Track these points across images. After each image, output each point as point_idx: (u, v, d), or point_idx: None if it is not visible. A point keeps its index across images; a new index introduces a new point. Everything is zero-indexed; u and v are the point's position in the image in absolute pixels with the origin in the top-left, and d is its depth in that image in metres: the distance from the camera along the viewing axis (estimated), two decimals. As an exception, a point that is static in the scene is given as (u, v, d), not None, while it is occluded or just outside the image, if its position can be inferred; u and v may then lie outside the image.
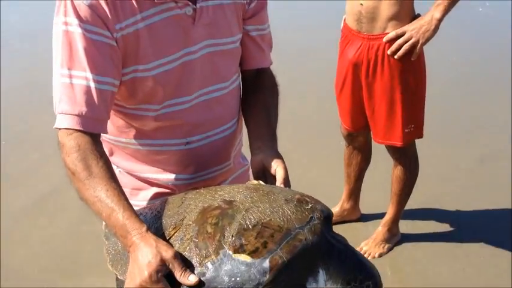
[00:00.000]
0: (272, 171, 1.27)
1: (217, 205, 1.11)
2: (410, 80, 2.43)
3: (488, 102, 4.33)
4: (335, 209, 2.87)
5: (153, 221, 1.17)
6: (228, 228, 1.05)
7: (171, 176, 1.39)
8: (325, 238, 1.08)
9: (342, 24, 2.59)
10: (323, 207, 1.12)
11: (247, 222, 1.05)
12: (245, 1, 1.36)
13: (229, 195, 1.13)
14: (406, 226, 2.87)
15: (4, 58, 5.32)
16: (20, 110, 4.60)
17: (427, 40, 2.35)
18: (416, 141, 2.62)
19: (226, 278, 1.01)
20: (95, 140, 1.20)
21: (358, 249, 2.27)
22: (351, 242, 1.17)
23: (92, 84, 1.18)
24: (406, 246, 2.79)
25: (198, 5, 1.26)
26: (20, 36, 5.85)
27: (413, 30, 2.35)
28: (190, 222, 1.10)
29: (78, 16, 1.16)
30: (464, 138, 3.84)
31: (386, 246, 2.75)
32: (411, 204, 2.81)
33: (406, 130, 2.51)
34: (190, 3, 1.25)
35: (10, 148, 4.00)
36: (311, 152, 3.65)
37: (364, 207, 3.03)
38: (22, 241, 3.00)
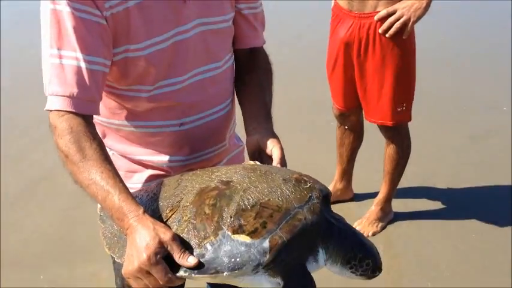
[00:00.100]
0: (268, 151, 1.25)
1: (214, 186, 1.09)
2: (402, 58, 2.43)
3: (479, 81, 4.35)
4: (328, 190, 2.87)
5: (150, 204, 1.15)
6: (226, 209, 1.04)
7: (166, 158, 1.37)
8: (324, 217, 1.07)
9: (333, 3, 2.57)
10: (321, 187, 1.11)
11: (246, 202, 1.04)
12: None
13: (226, 176, 1.11)
14: (398, 205, 2.89)
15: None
16: (8, 95, 4.55)
17: (419, 18, 2.34)
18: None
19: (225, 259, 1.00)
20: (88, 121, 1.17)
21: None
22: (344, 222, 1.16)
23: (83, 65, 1.15)
24: (399, 224, 2.81)
25: None
26: (8, 19, 5.75)
27: (404, 8, 2.33)
28: (188, 204, 1.09)
29: None
30: (455, 117, 3.86)
31: (380, 225, 2.77)
32: (403, 183, 2.83)
33: (398, 109, 2.51)
34: None
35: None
36: (303, 133, 3.65)
37: (357, 187, 3.04)
38: (13, 227, 2.98)
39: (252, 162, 1.22)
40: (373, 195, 2.90)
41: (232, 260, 1.00)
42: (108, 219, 1.20)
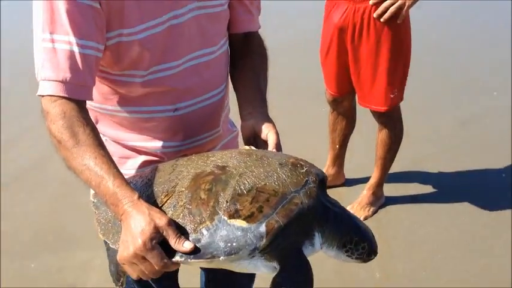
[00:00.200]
0: (263, 136, 1.25)
1: (210, 171, 1.08)
2: (396, 43, 2.42)
3: (470, 65, 4.36)
4: (320, 175, 2.88)
5: (144, 189, 1.14)
6: (222, 194, 1.03)
7: (160, 144, 1.36)
8: (320, 201, 1.07)
9: (327, -12, 2.55)
10: (318, 171, 1.11)
11: (242, 187, 1.03)
12: None
13: (221, 161, 1.11)
14: (390, 189, 2.90)
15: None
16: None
17: (414, 2, 2.33)
18: (400, 104, 2.63)
19: (222, 244, 1.00)
20: (81, 106, 1.16)
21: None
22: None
23: (76, 49, 1.13)
24: (391, 208, 2.83)
25: None
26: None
27: (400, -8, 2.32)
28: (183, 189, 1.08)
29: None
30: (446, 102, 3.87)
31: (371, 209, 2.78)
32: (394, 167, 2.84)
33: (391, 95, 2.51)
34: None
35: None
36: (295, 118, 3.65)
37: (348, 172, 3.05)
38: (3, 216, 2.96)
39: (247, 147, 1.22)
40: (364, 180, 2.91)
41: (229, 244, 0.99)
42: (102, 205, 1.19)
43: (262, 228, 0.99)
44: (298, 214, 1.02)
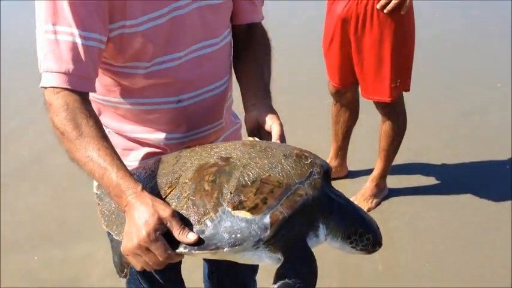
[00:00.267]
0: (267, 127, 1.24)
1: (213, 162, 1.08)
2: (400, 35, 2.41)
3: (473, 57, 4.34)
4: (323, 167, 2.87)
5: (148, 181, 1.14)
6: (226, 185, 1.03)
7: (163, 136, 1.35)
8: (325, 193, 1.06)
9: (331, -20, 2.54)
10: (322, 162, 1.10)
11: (246, 178, 1.03)
12: None
13: (225, 152, 1.10)
14: (393, 181, 2.90)
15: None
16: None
17: None
18: (403, 96, 2.62)
19: (226, 235, 1.00)
20: (84, 98, 1.15)
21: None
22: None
23: (78, 41, 1.13)
24: (394, 200, 2.83)
25: None
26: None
27: (403, -17, 2.31)
28: (187, 181, 1.07)
29: None
30: (449, 93, 3.86)
31: (374, 201, 2.78)
32: (398, 159, 2.84)
33: (393, 85, 2.50)
34: None
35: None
36: (297, 110, 3.64)
37: (351, 164, 3.04)
38: (6, 209, 2.96)
39: (251, 139, 1.21)
40: (367, 172, 2.91)
41: (233, 236, 0.99)
42: (105, 197, 1.19)
43: (267, 219, 0.99)
44: (302, 205, 1.02)
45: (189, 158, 1.13)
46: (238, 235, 0.99)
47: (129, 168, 1.13)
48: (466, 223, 2.65)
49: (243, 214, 1.00)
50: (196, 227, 1.02)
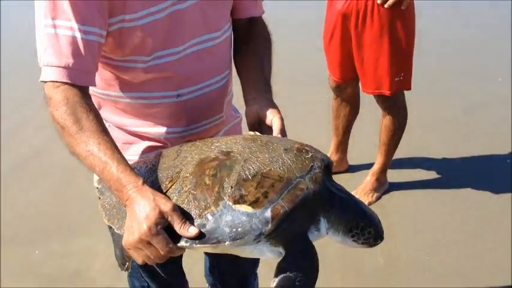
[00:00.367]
0: (268, 121, 1.24)
1: (214, 156, 1.08)
2: (400, 30, 2.40)
3: (474, 52, 4.33)
4: (323, 161, 2.87)
5: (149, 175, 1.14)
6: (226, 180, 1.03)
7: (163, 130, 1.35)
8: (326, 187, 1.06)
9: (331, -26, 2.53)
10: (323, 156, 1.10)
11: (247, 172, 1.03)
12: None
13: (226, 146, 1.10)
14: (393, 175, 2.90)
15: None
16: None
17: None
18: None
19: (227, 229, 1.00)
20: (84, 92, 1.15)
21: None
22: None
23: (78, 35, 1.13)
24: (394, 194, 2.83)
25: None
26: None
27: (404, -22, 2.30)
28: (188, 175, 1.07)
29: None
30: (450, 88, 3.85)
31: (375, 195, 2.78)
32: (398, 153, 2.84)
33: (396, 79, 2.49)
34: None
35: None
36: (298, 104, 3.64)
37: (352, 159, 3.04)
38: (7, 204, 2.97)
39: (252, 133, 1.21)
40: (368, 166, 2.91)
41: (234, 229, 0.99)
42: (106, 191, 1.19)
43: (268, 213, 0.99)
44: (303, 199, 1.01)
45: (190, 152, 1.13)
46: (240, 229, 0.99)
47: (129, 162, 1.12)
48: (467, 217, 2.66)
49: (244, 208, 1.00)
50: (197, 221, 1.02)
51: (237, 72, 1.41)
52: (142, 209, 1.02)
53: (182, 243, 1.02)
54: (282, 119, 1.23)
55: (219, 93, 1.38)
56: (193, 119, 1.36)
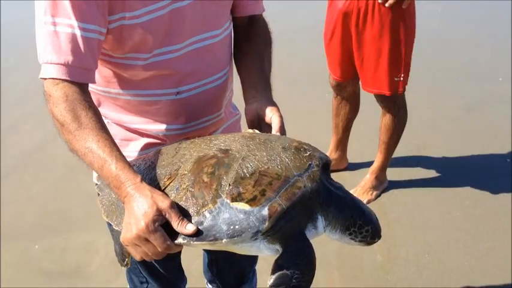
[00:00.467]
0: (267, 119, 1.24)
1: (212, 154, 1.08)
2: (401, 29, 2.40)
3: (475, 51, 4.33)
4: (323, 159, 2.88)
5: (147, 172, 1.14)
6: (224, 177, 1.03)
7: (162, 127, 1.36)
8: (324, 185, 1.07)
9: (332, -27, 2.53)
10: (321, 155, 1.10)
11: (244, 170, 1.03)
12: None
13: (224, 144, 1.11)
14: (393, 173, 2.91)
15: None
16: (0, 67, 4.49)
17: None
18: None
19: (224, 227, 1.00)
20: (83, 89, 1.16)
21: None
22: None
23: (78, 32, 1.13)
24: (394, 192, 2.83)
25: None
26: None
27: (405, -23, 2.30)
28: (186, 172, 1.08)
29: None
30: (451, 87, 3.85)
31: (374, 193, 2.78)
32: (398, 152, 2.84)
33: (396, 79, 2.49)
34: None
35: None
36: (299, 103, 3.64)
37: (352, 157, 3.05)
38: (8, 199, 2.98)
39: (251, 131, 1.21)
40: (367, 164, 2.91)
41: (231, 227, 1.00)
42: (105, 188, 1.19)
43: (265, 211, 1.00)
44: (301, 197, 1.02)
45: (189, 150, 1.13)
46: (237, 226, 1.00)
47: (128, 159, 1.13)
48: (467, 215, 2.66)
49: (242, 206, 1.00)
50: (195, 218, 1.03)
51: (237, 70, 1.41)
52: (140, 206, 1.02)
53: (179, 240, 1.02)
54: (281, 117, 1.23)
55: (219, 91, 1.38)
56: (192, 117, 1.37)
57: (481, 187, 2.82)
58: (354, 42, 2.49)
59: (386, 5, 2.33)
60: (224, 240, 1.00)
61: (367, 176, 2.82)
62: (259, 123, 1.26)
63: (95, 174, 1.32)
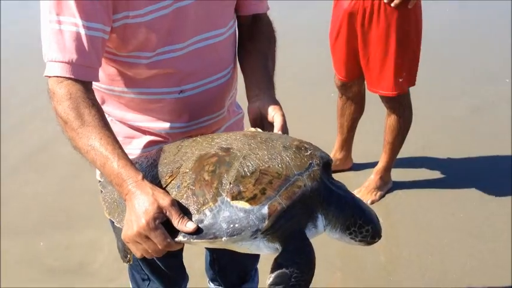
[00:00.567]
0: (270, 118, 1.24)
1: (214, 152, 1.09)
2: (407, 29, 2.40)
3: (481, 52, 4.31)
4: (328, 159, 2.88)
5: (149, 170, 1.15)
6: (225, 176, 1.04)
7: (165, 125, 1.37)
8: (324, 184, 1.07)
9: (337, -27, 2.53)
10: (322, 154, 1.11)
11: (245, 169, 1.04)
12: None
13: (226, 143, 1.11)
14: (398, 174, 2.90)
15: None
16: (8, 65, 4.52)
17: None
18: (410, 90, 2.61)
19: (224, 225, 1.01)
20: (87, 88, 1.17)
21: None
22: (343, 191, 1.15)
23: (82, 31, 1.14)
24: (398, 193, 2.83)
25: None
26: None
27: (411, -23, 2.30)
28: (187, 170, 1.09)
29: None
30: (457, 88, 3.84)
31: (379, 193, 2.78)
32: (403, 152, 2.83)
33: (400, 79, 2.49)
34: None
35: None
36: (304, 102, 3.64)
37: (356, 157, 3.04)
38: (14, 196, 3.00)
39: (253, 129, 1.22)
40: (372, 165, 2.91)
41: (231, 225, 1.00)
42: (108, 185, 1.20)
43: (265, 210, 1.00)
44: (301, 196, 1.02)
45: (190, 148, 1.14)
46: (237, 225, 1.00)
47: (131, 156, 1.14)
48: (471, 217, 2.65)
49: (242, 204, 1.01)
50: (195, 216, 1.03)
51: (241, 68, 1.42)
52: (141, 204, 1.03)
53: (180, 237, 1.03)
54: (283, 116, 1.24)
55: (222, 90, 1.39)
56: (195, 115, 1.37)
57: (486, 189, 2.81)
58: (360, 42, 2.49)
59: (392, 4, 2.33)
60: (224, 238, 1.00)
61: (372, 177, 2.81)
62: (261, 121, 1.27)
63: (98, 172, 1.33)
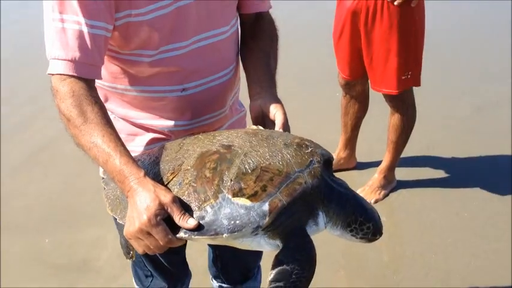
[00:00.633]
0: (271, 116, 1.25)
1: (215, 150, 1.10)
2: (410, 27, 2.40)
3: (485, 52, 4.30)
4: (331, 158, 2.88)
5: (151, 167, 1.16)
6: (226, 173, 1.05)
7: (167, 123, 1.37)
8: (325, 181, 1.07)
9: (341, -28, 2.53)
10: (323, 151, 1.11)
11: (246, 166, 1.04)
12: None
13: (227, 140, 1.12)
14: (401, 173, 2.90)
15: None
16: (11, 64, 4.54)
17: None
18: (413, 89, 2.61)
19: (225, 222, 1.01)
20: (90, 85, 1.18)
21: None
22: (347, 190, 1.16)
23: (85, 29, 1.15)
24: (402, 192, 2.83)
25: None
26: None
27: (414, -24, 2.29)
28: (189, 167, 1.09)
29: None
30: (461, 87, 3.83)
31: (382, 192, 2.78)
32: (407, 151, 2.83)
33: (403, 77, 2.49)
34: None
35: (3, 102, 3.97)
36: (307, 101, 3.65)
37: (360, 156, 3.04)
38: (18, 194, 3.02)
39: (254, 127, 1.23)
40: (376, 164, 2.91)
41: (232, 222, 1.01)
42: (111, 182, 1.21)
43: (266, 206, 1.01)
44: (301, 193, 1.03)
45: (192, 145, 1.15)
46: (238, 221, 1.01)
47: (133, 154, 1.15)
48: (474, 216, 2.65)
49: (243, 201, 1.02)
50: (196, 213, 1.04)
51: (243, 66, 1.42)
52: (143, 200, 1.04)
53: (181, 234, 1.04)
54: (284, 114, 1.24)
55: (224, 88, 1.39)
56: (197, 113, 1.38)
57: (490, 188, 2.80)
58: (363, 41, 2.49)
59: (395, 3, 2.33)
60: (225, 235, 1.01)
61: (376, 176, 2.81)
62: (263, 119, 1.27)
63: (101, 169, 1.34)
